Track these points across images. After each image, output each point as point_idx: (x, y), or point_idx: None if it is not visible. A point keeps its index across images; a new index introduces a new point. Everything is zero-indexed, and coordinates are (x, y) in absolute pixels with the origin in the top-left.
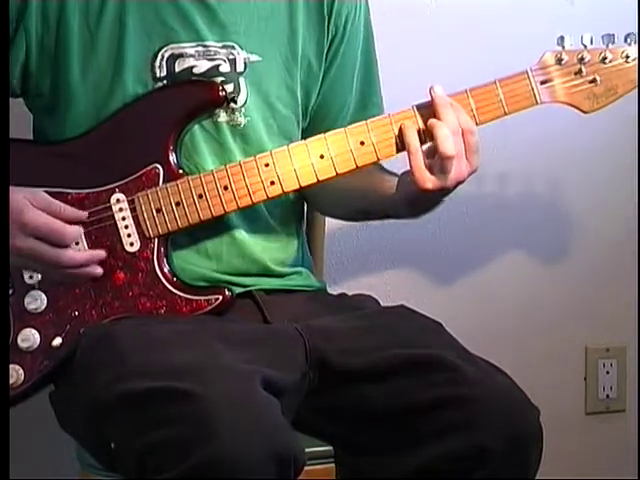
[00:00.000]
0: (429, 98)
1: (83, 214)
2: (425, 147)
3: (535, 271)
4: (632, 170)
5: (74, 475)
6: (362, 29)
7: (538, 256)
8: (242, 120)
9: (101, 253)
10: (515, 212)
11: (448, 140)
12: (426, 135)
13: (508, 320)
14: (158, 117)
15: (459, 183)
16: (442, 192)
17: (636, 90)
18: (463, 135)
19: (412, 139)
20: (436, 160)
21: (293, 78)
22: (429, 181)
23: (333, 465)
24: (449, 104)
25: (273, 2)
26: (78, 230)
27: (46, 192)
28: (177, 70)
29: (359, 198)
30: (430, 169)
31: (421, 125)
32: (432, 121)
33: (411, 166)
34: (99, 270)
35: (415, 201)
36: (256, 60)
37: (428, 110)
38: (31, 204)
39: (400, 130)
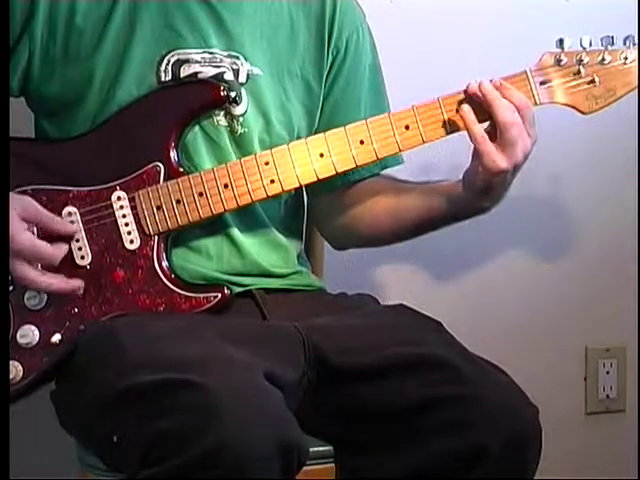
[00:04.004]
0: (428, 98)
1: (73, 228)
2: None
3: (535, 271)
4: (633, 170)
5: (74, 475)
6: (368, 51)
7: (538, 256)
8: (239, 129)
9: (78, 285)
10: (515, 212)
11: (507, 110)
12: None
13: (508, 320)
14: (160, 116)
15: (526, 157)
16: (514, 170)
17: (636, 90)
18: (520, 111)
19: (476, 127)
20: (500, 136)
21: (289, 98)
22: (502, 160)
23: (333, 465)
24: (498, 95)
25: (276, 23)
26: (65, 250)
27: (48, 190)
28: (182, 75)
29: (424, 205)
30: (498, 149)
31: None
32: (489, 99)
33: (480, 152)
34: (79, 292)
35: (489, 189)
36: (258, 74)
37: (427, 108)
38: (21, 217)
39: (461, 120)
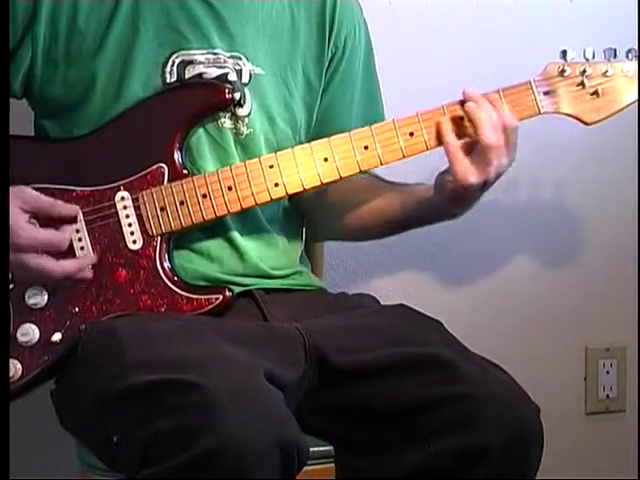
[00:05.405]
0: (427, 98)
1: (75, 208)
2: (461, 143)
3: (535, 271)
4: (633, 170)
5: (74, 475)
6: (362, 49)
7: (538, 256)
8: (245, 130)
9: (92, 257)
10: (515, 213)
11: (489, 130)
12: (461, 132)
13: (508, 320)
14: (165, 117)
15: (498, 176)
16: (484, 186)
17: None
18: (505, 130)
19: (449, 136)
20: (477, 152)
21: (292, 95)
22: (472, 175)
23: (333, 465)
24: (487, 101)
25: (277, 20)
26: (69, 232)
27: (51, 189)
28: (187, 76)
29: (401, 207)
30: (471, 163)
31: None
32: (473, 111)
33: (451, 163)
34: (89, 274)
35: (457, 199)
36: (260, 73)
37: (431, 115)
38: (22, 210)
39: (436, 129)
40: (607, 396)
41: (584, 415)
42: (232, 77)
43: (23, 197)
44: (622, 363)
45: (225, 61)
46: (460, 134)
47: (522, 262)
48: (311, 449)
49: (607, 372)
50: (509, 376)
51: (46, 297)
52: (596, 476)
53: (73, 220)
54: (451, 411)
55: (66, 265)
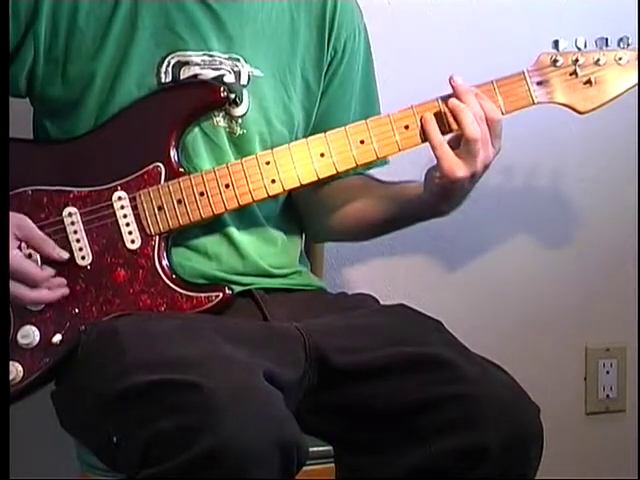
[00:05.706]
0: (426, 97)
1: (65, 255)
2: (446, 138)
3: (535, 271)
4: (633, 170)
5: (74, 475)
6: (361, 53)
7: (538, 256)
8: (238, 130)
9: (65, 291)
10: (516, 212)
11: (473, 124)
12: (447, 126)
13: (508, 319)
14: (161, 116)
15: (486, 167)
16: (472, 179)
17: (636, 90)
18: (488, 122)
19: (434, 132)
20: (462, 146)
21: (290, 97)
22: (459, 169)
23: (333, 465)
24: (471, 92)
25: (277, 22)
26: (50, 273)
27: (48, 191)
28: (182, 77)
29: (388, 205)
30: (457, 157)
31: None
32: (456, 106)
33: (438, 158)
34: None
35: (446, 194)
36: (259, 75)
37: (426, 108)
38: (14, 235)
39: (421, 124)
40: (607, 396)
41: (584, 415)
42: (228, 79)
43: (19, 224)
44: (622, 363)
45: (221, 63)
46: (447, 128)
47: (522, 262)
48: (311, 449)
49: (607, 372)
50: (509, 376)
51: None
52: (596, 476)
53: (60, 260)
54: (451, 411)
55: (42, 294)
